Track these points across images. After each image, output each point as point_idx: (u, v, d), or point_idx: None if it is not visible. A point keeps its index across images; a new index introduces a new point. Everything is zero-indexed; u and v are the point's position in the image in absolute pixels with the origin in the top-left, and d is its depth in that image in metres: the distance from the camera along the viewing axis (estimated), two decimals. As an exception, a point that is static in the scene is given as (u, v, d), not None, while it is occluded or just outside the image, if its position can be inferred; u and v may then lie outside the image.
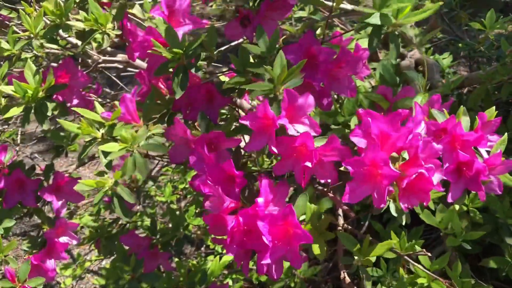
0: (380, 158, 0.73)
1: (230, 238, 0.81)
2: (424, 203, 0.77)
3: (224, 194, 0.83)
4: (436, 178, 0.77)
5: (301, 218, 0.87)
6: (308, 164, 0.80)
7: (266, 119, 0.82)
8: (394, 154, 0.78)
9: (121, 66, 1.34)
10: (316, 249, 0.84)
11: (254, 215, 0.79)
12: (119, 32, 1.04)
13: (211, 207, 0.84)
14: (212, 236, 0.88)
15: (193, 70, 0.92)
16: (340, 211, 1.14)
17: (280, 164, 0.86)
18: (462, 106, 0.90)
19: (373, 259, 0.87)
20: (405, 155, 0.78)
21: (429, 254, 0.94)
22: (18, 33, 1.12)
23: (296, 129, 0.82)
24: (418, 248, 0.99)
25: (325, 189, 1.02)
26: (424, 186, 0.75)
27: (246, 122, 0.82)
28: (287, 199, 0.87)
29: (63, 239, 1.19)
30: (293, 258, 0.79)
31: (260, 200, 0.81)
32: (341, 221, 1.12)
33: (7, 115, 1.01)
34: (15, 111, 1.00)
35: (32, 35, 1.07)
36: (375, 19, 0.84)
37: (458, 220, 1.12)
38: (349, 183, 0.76)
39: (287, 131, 0.82)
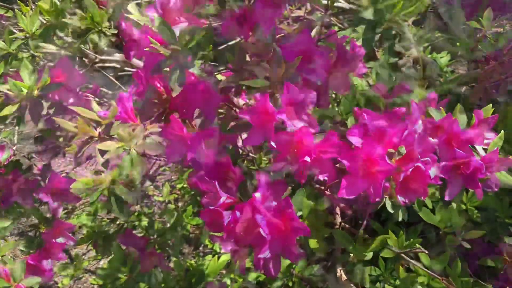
0: (376, 152, 0.73)
1: (227, 233, 0.80)
2: (422, 198, 0.77)
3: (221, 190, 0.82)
4: (433, 172, 0.77)
5: (298, 214, 0.86)
6: (307, 159, 0.79)
7: (265, 114, 0.81)
8: (391, 150, 0.78)
9: (118, 66, 1.34)
10: (313, 243, 0.83)
11: (251, 209, 0.78)
12: (115, 31, 1.04)
13: (208, 203, 0.83)
14: (210, 233, 0.88)
15: (190, 69, 0.92)
16: (337, 210, 1.13)
17: (277, 160, 0.85)
18: (459, 104, 0.89)
19: (370, 255, 0.86)
20: (402, 150, 0.78)
21: (426, 252, 0.94)
22: (15, 32, 1.12)
23: (294, 124, 0.81)
24: (417, 245, 0.99)
25: (323, 188, 1.02)
26: (421, 180, 0.75)
27: (245, 116, 0.81)
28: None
29: (60, 240, 1.19)
30: (290, 252, 0.78)
31: (257, 194, 0.80)
32: (338, 219, 1.11)
33: (1, 113, 1.01)
34: (10, 110, 1.00)
35: (28, 35, 1.06)
36: (368, 13, 0.84)
37: (457, 219, 1.12)
38: (345, 178, 0.76)
39: (286, 127, 0.81)
